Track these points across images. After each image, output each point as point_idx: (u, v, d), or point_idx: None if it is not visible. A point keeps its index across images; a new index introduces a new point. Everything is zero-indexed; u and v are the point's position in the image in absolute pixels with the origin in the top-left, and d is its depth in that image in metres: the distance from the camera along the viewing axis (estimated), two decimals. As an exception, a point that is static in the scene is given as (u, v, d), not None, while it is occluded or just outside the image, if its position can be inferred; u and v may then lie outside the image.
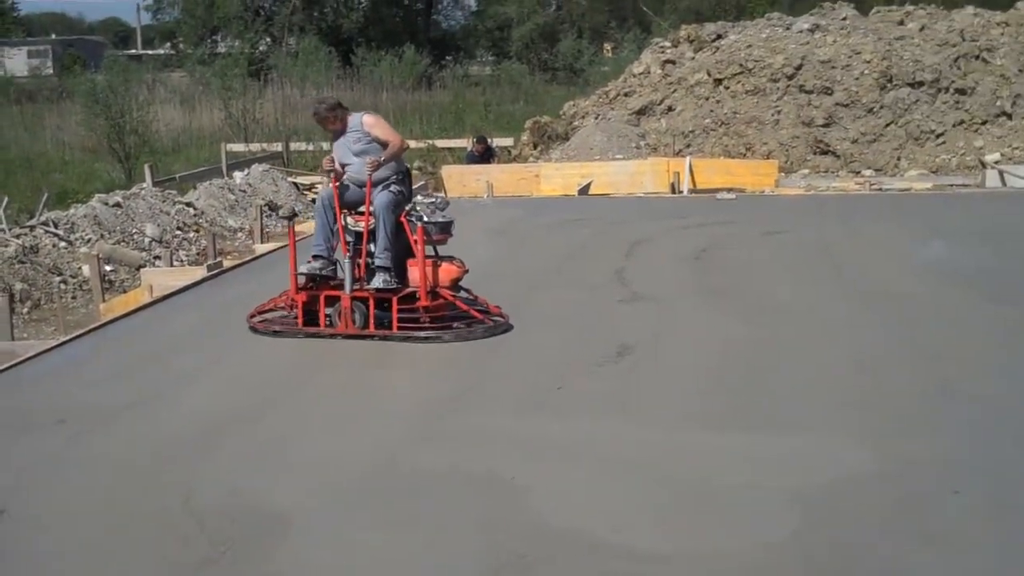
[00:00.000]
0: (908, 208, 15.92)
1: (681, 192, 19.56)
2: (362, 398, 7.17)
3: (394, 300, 8.69)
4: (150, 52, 70.60)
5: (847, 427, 6.20)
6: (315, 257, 9.06)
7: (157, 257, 17.10)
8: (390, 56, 49.04)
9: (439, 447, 6.13)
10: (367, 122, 9.10)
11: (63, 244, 16.31)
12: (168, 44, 73.85)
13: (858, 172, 21.74)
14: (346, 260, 8.86)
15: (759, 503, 5.17)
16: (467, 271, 8.98)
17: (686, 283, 10.55)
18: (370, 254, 8.89)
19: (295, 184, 24.56)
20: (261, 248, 14.56)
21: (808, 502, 5.14)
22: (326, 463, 5.92)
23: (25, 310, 14.08)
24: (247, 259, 13.34)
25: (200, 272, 11.81)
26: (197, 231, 19.32)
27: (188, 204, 20.52)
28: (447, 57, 64.13)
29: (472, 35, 73.02)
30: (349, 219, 8.96)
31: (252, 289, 10.97)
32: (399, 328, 8.67)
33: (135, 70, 37.34)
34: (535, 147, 26.53)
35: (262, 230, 17.57)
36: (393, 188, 8.98)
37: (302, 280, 9.05)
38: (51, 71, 67.76)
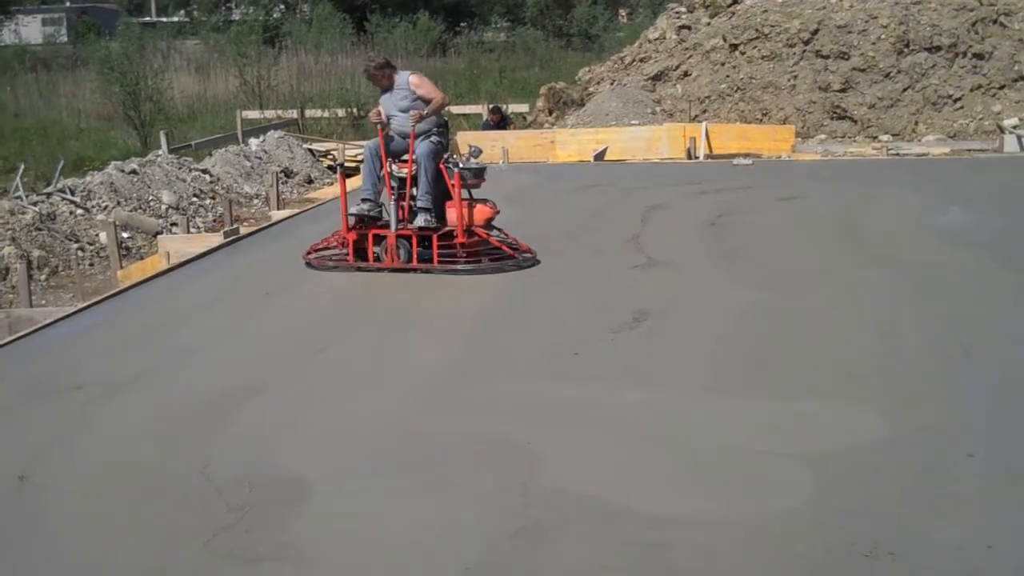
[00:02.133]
0: (925, 173, 15.86)
1: (697, 158, 19.51)
2: (379, 365, 7.17)
3: (434, 238, 9.80)
4: (164, 20, 70.39)
5: (862, 393, 6.20)
6: (363, 200, 10.06)
7: (174, 224, 17.16)
8: (404, 23, 48.93)
9: (454, 413, 6.15)
10: (413, 81, 10.06)
11: (80, 211, 16.36)
12: (182, 11, 73.76)
13: (875, 137, 21.69)
14: (391, 203, 9.94)
15: (775, 469, 5.18)
16: (499, 212, 10.10)
17: (702, 249, 10.54)
18: (412, 197, 9.92)
19: (310, 151, 24.58)
20: (277, 215, 14.58)
21: (823, 469, 5.14)
22: (342, 430, 5.94)
23: (43, 277, 14.14)
24: (264, 225, 13.35)
25: (217, 239, 11.84)
26: (213, 198, 19.36)
27: (204, 171, 20.57)
28: (461, 23, 63.89)
29: (486, 1, 72.70)
30: (394, 166, 9.95)
31: (269, 255, 11.02)
32: (439, 262, 9.80)
33: (150, 37, 37.37)
34: (550, 113, 26.48)
35: (278, 197, 17.58)
36: (433, 139, 9.96)
37: (352, 221, 10.07)
38: (66, 39, 67.68)
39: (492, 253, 10.03)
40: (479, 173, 10.08)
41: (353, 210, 10.06)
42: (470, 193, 9.95)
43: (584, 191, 14.74)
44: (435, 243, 9.81)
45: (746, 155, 18.78)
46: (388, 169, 9.93)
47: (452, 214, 9.85)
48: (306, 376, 6.96)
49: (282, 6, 60.81)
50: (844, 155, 19.51)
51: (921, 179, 15.02)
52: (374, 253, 10.00)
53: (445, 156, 10.05)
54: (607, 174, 17.02)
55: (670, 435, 5.67)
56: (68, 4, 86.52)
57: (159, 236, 14.97)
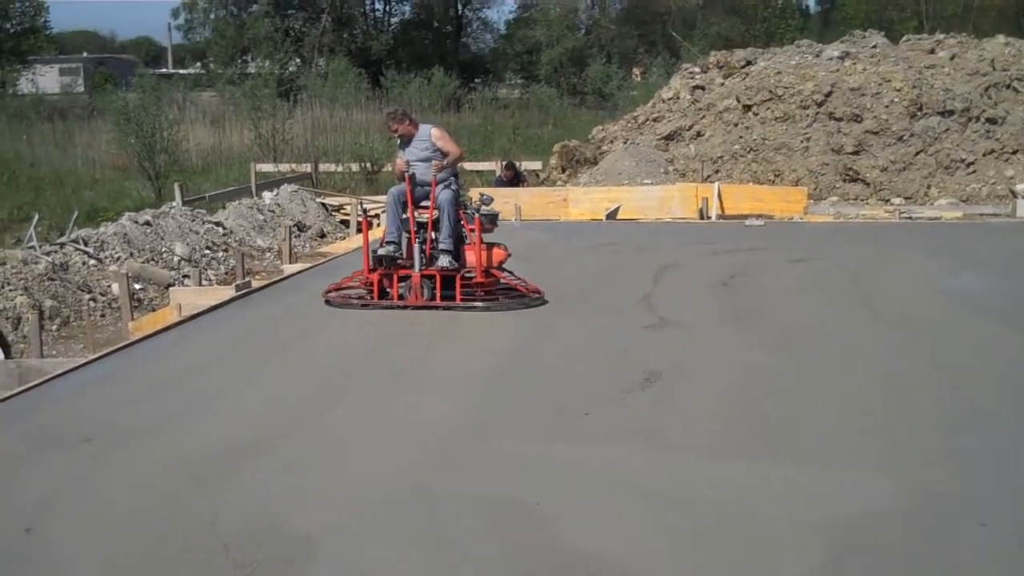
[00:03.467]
0: (938, 237, 15.86)
1: (709, 218, 19.54)
2: (387, 421, 7.15)
3: (457, 278, 10.69)
4: (181, 71, 70.99)
5: (873, 457, 6.16)
6: (388, 242, 10.84)
7: (186, 276, 17.21)
8: (419, 78, 49.24)
9: (464, 472, 6.12)
10: (434, 134, 11.03)
11: (93, 262, 16.42)
12: (198, 64, 74.41)
13: (887, 200, 21.71)
14: (415, 245, 10.68)
15: (784, 535, 5.14)
16: (511, 255, 11.03)
17: (714, 310, 10.53)
18: (434, 240, 10.72)
19: (323, 205, 24.65)
20: (289, 268, 14.61)
21: (833, 535, 5.10)
22: (349, 487, 5.91)
23: (54, 327, 14.17)
24: (276, 279, 13.37)
25: (229, 292, 11.85)
26: (226, 250, 19.42)
27: (217, 223, 20.64)
28: (476, 80, 64.46)
29: (501, 58, 73.32)
30: (416, 212, 10.77)
31: (281, 309, 11.03)
32: (461, 299, 10.66)
33: (166, 89, 37.60)
34: (563, 171, 26.56)
35: (291, 250, 17.63)
36: (452, 187, 10.93)
37: (374, 262, 10.86)
38: (82, 88, 68.22)
39: (506, 292, 10.91)
40: (493, 219, 11.00)
41: (379, 251, 10.79)
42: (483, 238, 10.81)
43: (596, 249, 14.76)
44: (458, 283, 10.69)
45: (758, 216, 18.81)
46: (412, 214, 10.73)
47: (470, 256, 10.75)
48: (315, 431, 6.94)
49: (298, 60, 61.27)
50: (856, 217, 19.52)
51: (934, 243, 15.02)
52: (399, 292, 10.75)
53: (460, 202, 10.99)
54: (619, 233, 17.04)
55: (680, 498, 5.63)
56: (85, 54, 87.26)
57: (171, 288, 15.00)
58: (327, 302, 10.96)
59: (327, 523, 5.37)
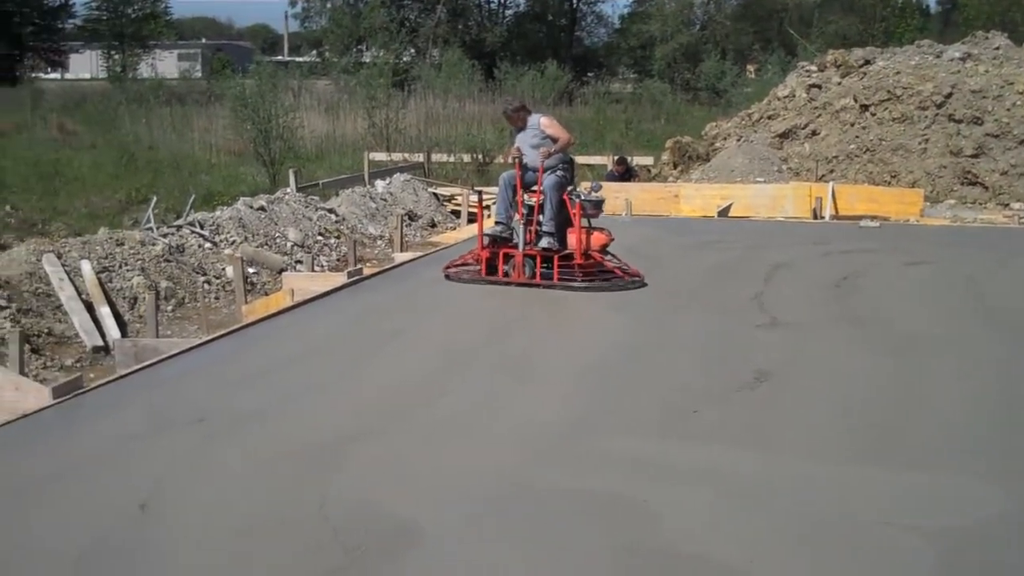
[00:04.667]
0: (1059, 244, 15.49)
1: (823, 218, 19.30)
2: (493, 414, 7.15)
3: (556, 258, 11.26)
4: (297, 59, 71.82)
5: (987, 466, 6.02)
6: (497, 223, 11.71)
7: (299, 261, 17.42)
8: (533, 71, 49.32)
9: (570, 467, 6.10)
10: (543, 123, 11.70)
11: (208, 245, 16.69)
12: (314, 52, 75.25)
13: (1007, 205, 21.25)
14: (521, 226, 11.37)
15: (894, 542, 5.05)
16: (613, 239, 11.61)
17: (826, 311, 10.39)
18: (539, 222, 11.37)
19: (435, 195, 24.78)
20: (400, 257, 14.69)
21: (944, 543, 5.00)
22: (455, 478, 5.93)
23: (170, 308, 14.44)
24: (386, 267, 13.46)
25: (341, 278, 11.96)
26: (338, 237, 19.60)
27: (330, 210, 20.87)
28: (589, 73, 64.38)
29: (614, 52, 73.18)
30: (525, 195, 11.43)
31: (391, 297, 11.10)
32: (559, 279, 11.22)
33: (282, 76, 38.04)
34: (675, 167, 26.45)
35: (402, 239, 17.75)
36: (559, 173, 11.52)
37: (486, 240, 11.63)
38: (200, 74, 69.38)
39: (605, 275, 11.40)
40: (598, 205, 11.64)
41: (488, 230, 11.65)
42: (589, 222, 11.44)
43: (707, 247, 14.64)
44: (556, 262, 11.24)
45: (873, 217, 18.51)
46: (520, 197, 11.41)
47: (572, 239, 11.33)
48: (422, 421, 6.97)
49: (412, 50, 61.71)
50: (974, 222, 19.15)
51: (1054, 249, 14.67)
52: (503, 270, 11.46)
53: (569, 188, 11.51)
54: (731, 230, 16.90)
55: (789, 501, 5.57)
56: (203, 41, 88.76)
57: (284, 273, 15.19)
58: (446, 276, 11.81)
59: (432, 513, 5.39)
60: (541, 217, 11.40)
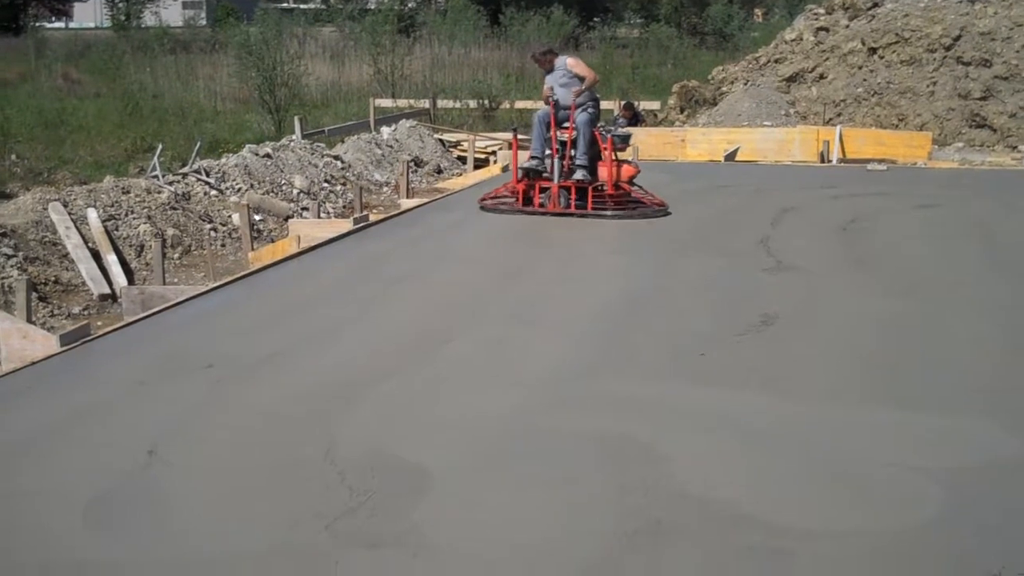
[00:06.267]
0: (1067, 186, 15.42)
1: (830, 161, 19.24)
2: (502, 358, 7.16)
3: (589, 189, 12.20)
4: (302, 6, 71.42)
5: (992, 409, 6.02)
6: (532, 158, 12.48)
7: (305, 208, 17.40)
8: (538, 16, 49.05)
9: (578, 410, 6.11)
10: (570, 63, 12.54)
11: (214, 192, 16.67)
12: (319, -1, 74.74)
13: (1015, 147, 21.15)
14: (555, 160, 12.29)
15: (904, 483, 5.06)
16: (640, 171, 12.67)
17: (833, 254, 10.37)
18: (572, 157, 12.25)
19: (441, 141, 24.70)
20: (407, 203, 14.66)
21: (953, 484, 5.01)
22: (465, 422, 5.94)
23: (176, 255, 14.44)
24: (393, 213, 13.44)
25: (347, 225, 11.94)
26: (344, 184, 19.58)
27: (336, 157, 20.82)
28: (595, 18, 63.90)
29: (621, -3, 72.52)
30: (558, 132, 12.32)
31: (398, 243, 11.08)
32: (592, 209, 12.13)
33: (287, 23, 37.88)
34: (682, 111, 26.34)
35: (408, 185, 17.71)
36: (589, 110, 12.38)
37: (521, 174, 12.47)
38: (204, 22, 69.09)
39: (634, 204, 12.38)
40: (626, 139, 12.70)
41: (524, 164, 12.44)
42: (616, 155, 12.30)
43: (714, 191, 14.61)
44: (590, 194, 12.18)
45: (881, 161, 18.43)
46: (554, 134, 12.30)
47: (603, 171, 12.23)
48: (431, 366, 6.98)
49: (417, -4, 61.32)
50: (982, 164, 19.06)
51: (1063, 192, 14.61)
52: (539, 201, 12.39)
53: (598, 124, 12.45)
54: (738, 174, 16.85)
55: (797, 442, 5.58)
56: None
57: (290, 220, 15.17)
58: (482, 208, 12.70)
59: (440, 456, 5.40)
60: (574, 152, 12.21)
